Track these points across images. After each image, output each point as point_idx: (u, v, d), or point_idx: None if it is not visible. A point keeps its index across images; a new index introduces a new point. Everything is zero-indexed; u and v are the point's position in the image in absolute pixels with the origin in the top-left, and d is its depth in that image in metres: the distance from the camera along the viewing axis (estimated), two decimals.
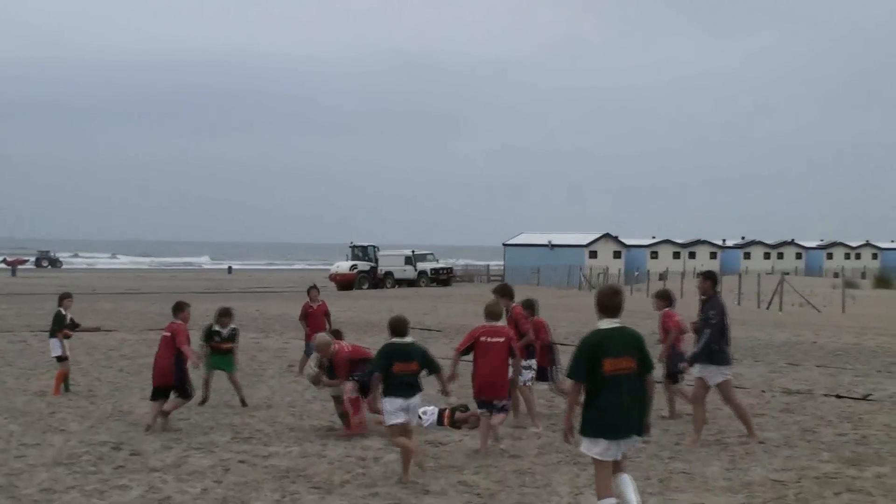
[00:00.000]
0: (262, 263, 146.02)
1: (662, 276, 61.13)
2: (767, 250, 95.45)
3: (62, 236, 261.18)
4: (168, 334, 12.41)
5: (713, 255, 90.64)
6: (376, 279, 66.23)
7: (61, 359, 15.10)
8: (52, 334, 15.25)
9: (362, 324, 29.42)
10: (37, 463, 10.08)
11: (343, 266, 67.28)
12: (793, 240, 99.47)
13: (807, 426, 12.33)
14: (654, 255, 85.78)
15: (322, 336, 12.34)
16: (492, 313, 10.98)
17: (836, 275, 77.82)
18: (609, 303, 7.30)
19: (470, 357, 10.85)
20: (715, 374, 11.11)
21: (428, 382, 16.37)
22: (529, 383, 12.24)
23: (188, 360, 12.39)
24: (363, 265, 66.75)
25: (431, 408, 12.75)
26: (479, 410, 10.98)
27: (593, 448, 7.14)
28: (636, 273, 68.14)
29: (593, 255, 79.95)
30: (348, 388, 11.75)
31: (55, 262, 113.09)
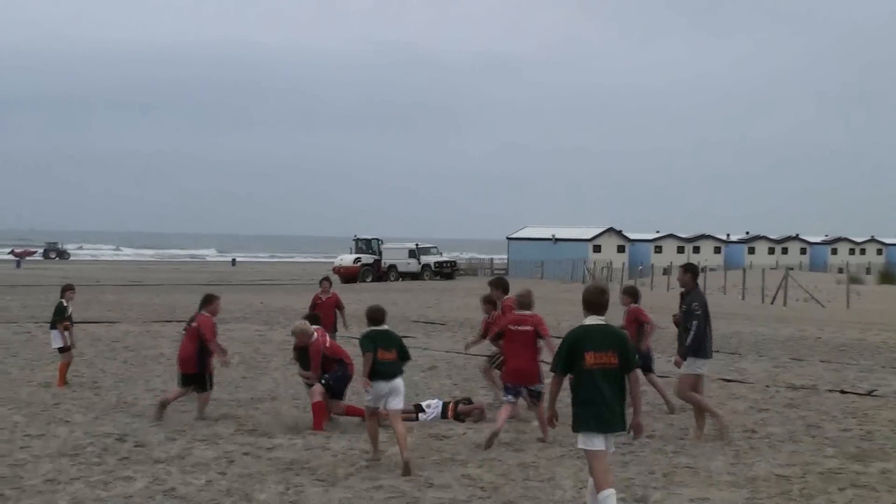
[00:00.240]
0: (265, 256, 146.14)
1: (666, 271, 61.10)
2: (772, 245, 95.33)
3: (65, 228, 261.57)
4: (195, 325, 12.50)
5: (717, 250, 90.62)
6: (380, 272, 66.27)
7: (63, 350, 15.11)
8: (53, 325, 15.27)
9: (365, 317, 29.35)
10: (41, 454, 10.09)
11: (347, 259, 67.34)
12: (797, 235, 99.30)
13: (811, 421, 12.31)
14: (658, 250, 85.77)
15: (302, 323, 12.19)
16: (522, 303, 11.32)
17: (840, 270, 77.83)
18: (596, 301, 7.40)
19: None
20: (691, 365, 11.04)
21: (432, 379, 16.45)
22: None
23: (213, 354, 12.45)
24: (367, 258, 66.80)
25: (436, 401, 12.76)
26: (505, 396, 11.18)
27: (588, 442, 7.20)
28: (640, 267, 68.09)
29: (597, 249, 79.94)
30: (316, 392, 11.63)
31: (63, 254, 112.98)
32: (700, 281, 11.59)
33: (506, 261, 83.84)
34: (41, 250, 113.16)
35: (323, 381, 11.68)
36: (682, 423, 11.92)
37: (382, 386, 9.76)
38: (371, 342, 9.88)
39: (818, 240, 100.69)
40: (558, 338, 13.79)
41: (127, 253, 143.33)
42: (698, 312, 10.97)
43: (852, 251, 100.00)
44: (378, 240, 69.49)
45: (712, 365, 18.28)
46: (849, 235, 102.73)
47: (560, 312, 30.94)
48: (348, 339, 16.95)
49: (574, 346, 7.25)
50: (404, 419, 12.19)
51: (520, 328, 11.04)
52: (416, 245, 69.58)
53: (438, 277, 66.18)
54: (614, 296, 9.76)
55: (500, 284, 12.98)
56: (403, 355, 10.09)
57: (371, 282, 63.76)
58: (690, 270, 11.33)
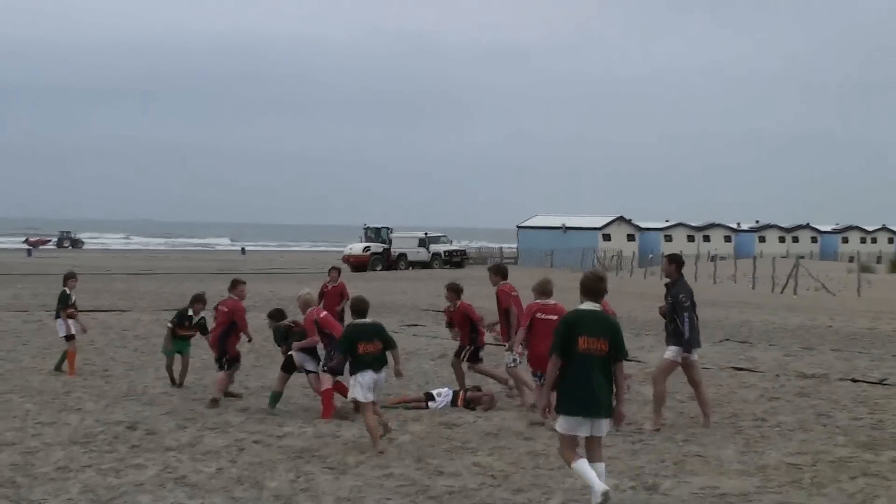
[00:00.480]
0: (274, 245, 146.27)
1: None
2: (782, 234, 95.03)
3: (76, 217, 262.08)
4: (225, 310, 12.82)
5: (727, 239, 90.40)
6: (389, 261, 66.29)
7: (69, 338, 15.14)
8: (57, 314, 15.29)
9: (375, 305, 29.20)
10: (53, 442, 10.13)
11: (357, 248, 67.38)
12: (808, 224, 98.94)
13: (822, 410, 12.28)
14: (668, 239, 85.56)
15: (308, 294, 12.42)
16: (543, 291, 11.53)
17: (851, 259, 77.57)
18: (593, 287, 7.59)
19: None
20: (675, 354, 10.99)
21: (441, 368, 16.45)
22: (512, 364, 12.32)
23: (240, 336, 12.98)
24: (377, 247, 66.82)
25: (446, 390, 12.78)
26: (534, 380, 11.38)
27: (565, 424, 7.31)
28: (650, 256, 67.96)
29: (607, 237, 79.84)
30: (326, 380, 11.72)
31: (76, 243, 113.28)
32: (685, 271, 11.51)
33: (515, 249, 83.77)
34: (55, 239, 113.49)
35: (328, 369, 11.69)
36: (693, 412, 11.89)
37: (370, 377, 9.85)
38: (346, 343, 10.06)
39: (829, 228, 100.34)
40: None
41: (136, 241, 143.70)
42: (686, 304, 10.92)
43: (863, 240, 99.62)
44: (388, 228, 69.50)
45: (723, 354, 18.32)
46: (859, 224, 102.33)
47: (570, 301, 30.84)
48: None
49: (570, 330, 7.39)
50: (414, 407, 12.27)
51: (547, 316, 11.15)
52: (426, 234, 69.58)
53: (448, 266, 66.11)
54: (612, 285, 9.74)
55: (499, 270, 13.23)
56: (388, 343, 10.17)
57: (381, 270, 63.81)
58: (675, 261, 11.29)
